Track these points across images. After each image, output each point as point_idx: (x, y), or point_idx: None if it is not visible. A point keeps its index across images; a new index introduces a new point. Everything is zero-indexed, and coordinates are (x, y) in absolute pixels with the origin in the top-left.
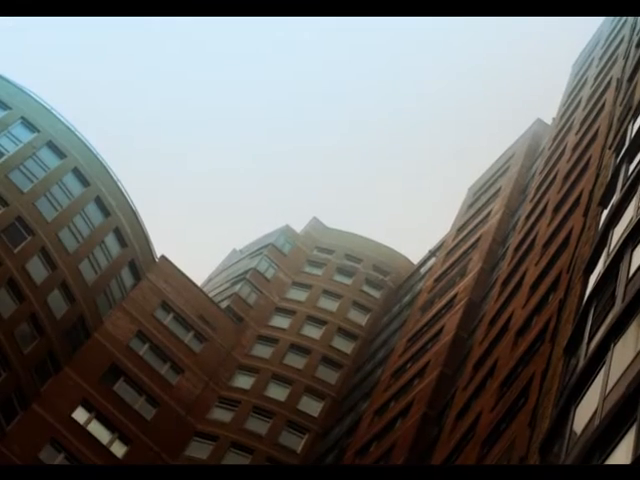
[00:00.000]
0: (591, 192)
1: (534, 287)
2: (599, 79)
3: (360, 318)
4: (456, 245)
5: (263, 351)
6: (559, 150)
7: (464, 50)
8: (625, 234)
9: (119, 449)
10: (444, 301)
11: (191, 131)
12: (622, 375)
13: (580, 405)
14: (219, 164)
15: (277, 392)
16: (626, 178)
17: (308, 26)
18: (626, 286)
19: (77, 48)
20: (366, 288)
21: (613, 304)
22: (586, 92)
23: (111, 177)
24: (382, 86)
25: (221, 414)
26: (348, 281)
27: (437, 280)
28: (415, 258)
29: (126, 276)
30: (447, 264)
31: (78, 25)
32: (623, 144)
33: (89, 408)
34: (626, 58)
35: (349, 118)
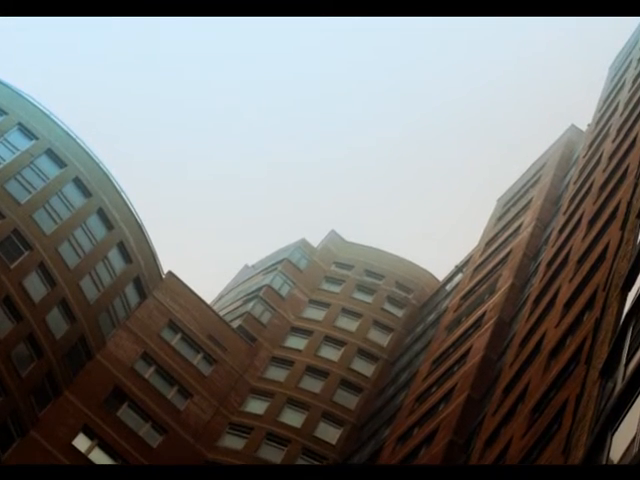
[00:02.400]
0: (629, 203)
1: (568, 305)
2: (638, 81)
3: (381, 338)
4: (484, 260)
5: (277, 374)
6: (595, 158)
7: (491, 54)
8: None
9: None
10: (472, 320)
11: (196, 137)
12: None
13: (617, 432)
14: (228, 171)
15: (292, 418)
16: None
17: (325, 26)
18: None
19: (77, 49)
20: (388, 306)
21: None
22: (624, 96)
23: (114, 187)
24: (405, 92)
25: (232, 441)
26: (368, 299)
27: (464, 298)
28: (440, 274)
29: (131, 294)
30: (475, 280)
31: (78, 26)
32: None
33: (91, 435)
34: None
35: (369, 127)
